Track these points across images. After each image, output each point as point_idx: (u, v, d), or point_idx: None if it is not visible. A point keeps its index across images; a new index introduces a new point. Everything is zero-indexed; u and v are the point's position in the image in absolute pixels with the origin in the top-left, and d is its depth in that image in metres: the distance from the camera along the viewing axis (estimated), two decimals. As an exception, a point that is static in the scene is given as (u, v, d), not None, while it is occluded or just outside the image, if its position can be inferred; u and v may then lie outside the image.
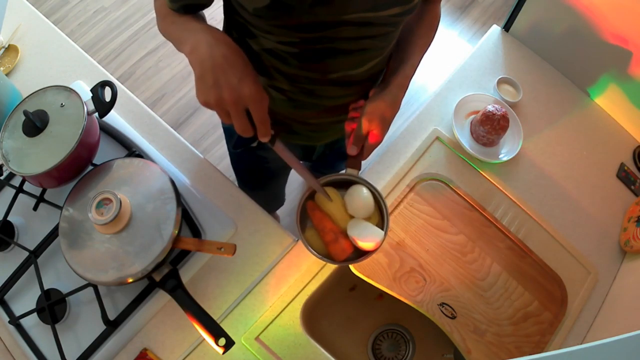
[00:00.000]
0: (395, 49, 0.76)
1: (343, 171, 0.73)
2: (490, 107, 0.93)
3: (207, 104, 0.57)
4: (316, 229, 0.71)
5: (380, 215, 0.72)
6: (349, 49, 0.67)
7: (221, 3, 0.70)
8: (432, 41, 0.79)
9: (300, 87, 0.73)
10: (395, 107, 0.70)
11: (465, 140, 0.96)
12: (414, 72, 0.74)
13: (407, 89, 0.72)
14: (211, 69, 0.56)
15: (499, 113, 0.92)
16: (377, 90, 0.72)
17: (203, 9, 0.68)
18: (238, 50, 0.58)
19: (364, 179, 0.72)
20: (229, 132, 1.01)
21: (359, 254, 0.69)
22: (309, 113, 0.80)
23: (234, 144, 1.00)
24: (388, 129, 0.71)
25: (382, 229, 0.69)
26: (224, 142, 1.98)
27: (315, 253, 0.68)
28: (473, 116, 0.99)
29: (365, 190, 0.71)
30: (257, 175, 1.19)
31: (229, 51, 0.57)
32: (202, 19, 0.69)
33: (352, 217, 0.71)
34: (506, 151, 0.97)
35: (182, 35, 0.63)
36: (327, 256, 0.69)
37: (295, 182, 1.89)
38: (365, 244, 0.67)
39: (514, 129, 0.98)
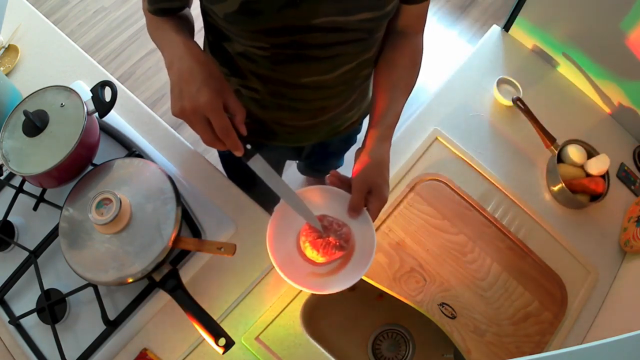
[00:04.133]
0: (377, 90, 0.72)
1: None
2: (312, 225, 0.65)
3: (175, 115, 0.59)
4: None
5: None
6: (320, 55, 0.67)
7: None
8: (416, 80, 0.74)
9: (272, 89, 0.74)
10: (383, 166, 0.65)
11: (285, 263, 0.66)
12: (398, 119, 0.70)
13: (391, 137, 0.68)
14: (177, 82, 0.59)
15: (324, 236, 0.65)
16: (359, 155, 0.66)
17: (179, 12, 0.70)
18: (205, 62, 0.60)
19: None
20: None
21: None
22: (283, 115, 0.80)
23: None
24: (387, 186, 0.65)
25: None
26: (224, 142, 1.98)
27: None
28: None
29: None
30: (246, 176, 1.19)
31: (195, 64, 0.59)
32: (185, 24, 0.70)
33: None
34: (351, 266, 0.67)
35: (163, 47, 0.66)
36: None
37: (293, 183, 1.89)
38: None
39: (363, 233, 0.68)
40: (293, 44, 0.64)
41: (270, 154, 0.64)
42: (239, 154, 0.61)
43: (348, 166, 1.78)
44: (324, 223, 0.65)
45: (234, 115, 0.61)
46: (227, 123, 0.58)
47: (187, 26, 0.70)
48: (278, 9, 0.59)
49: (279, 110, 0.79)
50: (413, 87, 0.74)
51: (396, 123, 0.69)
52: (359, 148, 0.68)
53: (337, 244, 0.64)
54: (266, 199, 1.50)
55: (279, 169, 1.24)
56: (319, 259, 0.65)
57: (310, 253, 0.65)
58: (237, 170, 1.15)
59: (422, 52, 0.75)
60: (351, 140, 1.19)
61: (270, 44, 0.64)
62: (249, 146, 0.62)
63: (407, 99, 0.72)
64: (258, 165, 0.63)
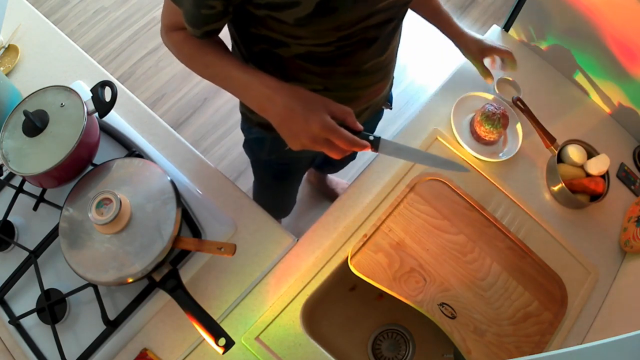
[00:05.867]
0: (429, 9, 0.92)
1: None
2: (489, 107, 0.93)
3: (299, 150, 0.62)
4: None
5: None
6: (377, 36, 0.69)
7: None
8: None
9: (334, 83, 0.75)
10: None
11: (465, 139, 0.96)
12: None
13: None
14: (280, 124, 0.62)
15: (499, 111, 0.92)
16: (464, 45, 0.94)
17: (220, 32, 0.70)
18: (289, 90, 0.62)
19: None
20: (259, 141, 0.99)
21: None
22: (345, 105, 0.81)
23: (267, 151, 1.00)
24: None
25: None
26: (224, 142, 1.98)
27: None
28: (472, 115, 0.99)
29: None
30: (281, 178, 1.20)
31: (284, 98, 0.61)
32: (226, 48, 0.71)
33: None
34: (506, 150, 0.97)
35: (233, 90, 0.67)
36: None
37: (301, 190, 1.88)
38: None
39: (514, 127, 0.98)
40: (358, 33, 0.65)
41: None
42: (368, 150, 0.63)
43: (356, 159, 1.76)
44: (494, 108, 0.94)
45: (345, 120, 0.62)
46: (347, 136, 0.60)
47: (228, 50, 0.71)
48: (353, 2, 0.59)
49: (340, 102, 0.80)
50: None
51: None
52: (457, 45, 0.96)
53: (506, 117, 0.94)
54: (291, 201, 1.50)
55: (305, 168, 1.26)
56: (494, 131, 0.93)
57: (488, 126, 0.93)
58: (275, 172, 1.15)
59: None
60: (376, 127, 1.21)
61: (337, 37, 0.65)
62: (372, 137, 0.63)
63: None
64: (389, 148, 0.64)
